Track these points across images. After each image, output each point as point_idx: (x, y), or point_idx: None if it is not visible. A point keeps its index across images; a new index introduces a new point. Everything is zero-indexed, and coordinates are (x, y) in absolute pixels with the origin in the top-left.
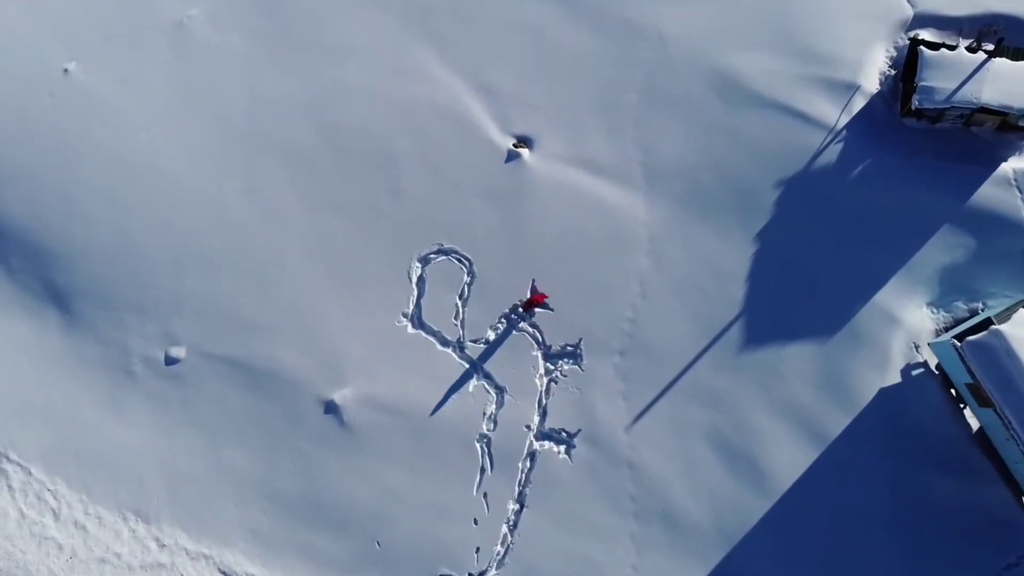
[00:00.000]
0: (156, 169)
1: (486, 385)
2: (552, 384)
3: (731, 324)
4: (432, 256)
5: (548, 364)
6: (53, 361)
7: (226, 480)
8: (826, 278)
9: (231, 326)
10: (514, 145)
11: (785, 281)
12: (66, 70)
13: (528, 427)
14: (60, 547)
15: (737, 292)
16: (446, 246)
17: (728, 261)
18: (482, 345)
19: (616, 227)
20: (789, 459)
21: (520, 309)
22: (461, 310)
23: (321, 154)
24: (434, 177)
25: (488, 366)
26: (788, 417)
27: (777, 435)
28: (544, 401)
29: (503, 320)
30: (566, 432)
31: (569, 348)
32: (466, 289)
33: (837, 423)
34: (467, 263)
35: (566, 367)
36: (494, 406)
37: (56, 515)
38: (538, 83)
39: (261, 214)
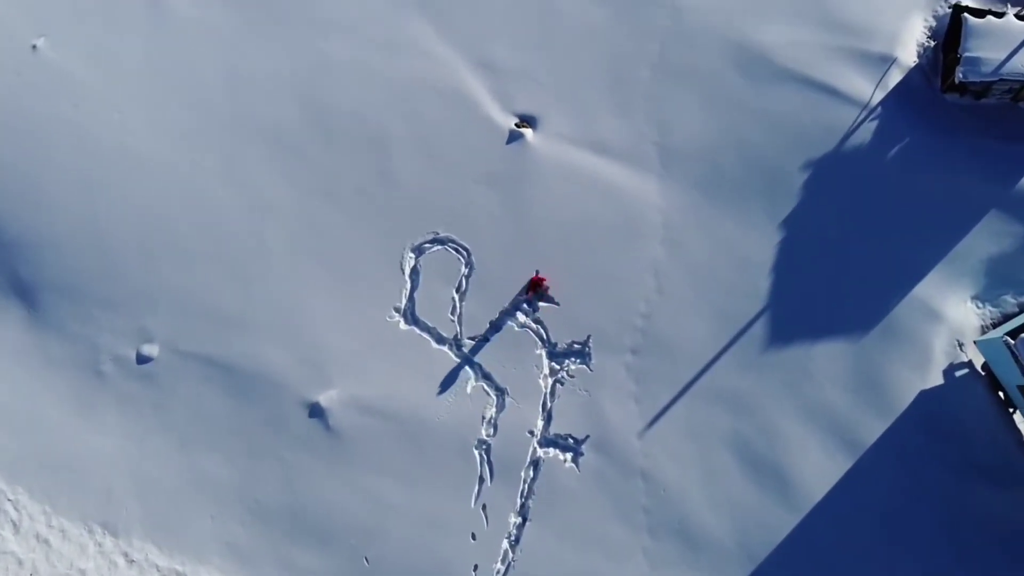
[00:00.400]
0: (129, 152)
1: (485, 386)
2: (558, 385)
3: (755, 319)
4: (427, 246)
5: (553, 363)
6: (15, 360)
7: (201, 490)
8: (860, 269)
9: (208, 322)
10: (516, 125)
11: (814, 272)
12: (34, 46)
13: (531, 432)
14: (20, 562)
15: (761, 284)
16: (442, 235)
17: (751, 250)
18: (481, 342)
19: (628, 213)
20: (819, 468)
21: (524, 303)
22: (458, 304)
23: (307, 136)
24: (429, 160)
25: (488, 365)
26: (818, 422)
27: (806, 442)
28: (549, 404)
29: (504, 315)
30: (573, 438)
31: (576, 346)
32: (464, 282)
33: (872, 429)
34: (465, 253)
35: (573, 367)
36: (494, 409)
37: (16, 527)
38: (542, 57)
39: (242, 200)
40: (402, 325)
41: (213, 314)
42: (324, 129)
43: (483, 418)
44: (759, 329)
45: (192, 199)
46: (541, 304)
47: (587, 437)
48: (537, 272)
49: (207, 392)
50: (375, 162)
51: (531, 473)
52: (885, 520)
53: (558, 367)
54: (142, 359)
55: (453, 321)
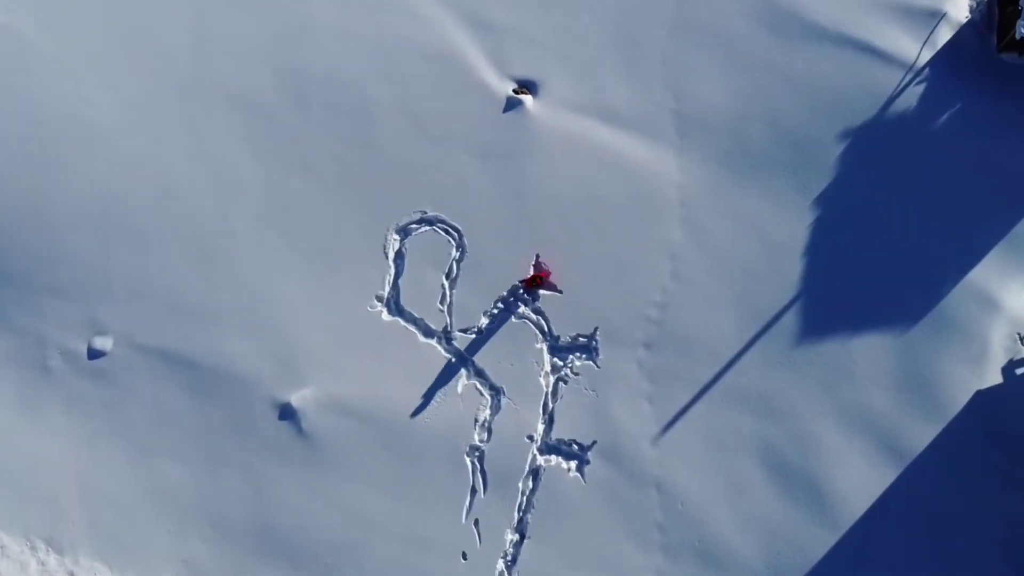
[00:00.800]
0: (84, 123)
1: (479, 385)
2: (560, 384)
3: (785, 310)
4: (413, 226)
5: (556, 359)
6: None
7: (158, 501)
8: (906, 252)
9: (168, 312)
10: (515, 91)
11: (853, 256)
12: None
13: (531, 438)
14: None
15: (792, 270)
16: (430, 214)
17: (781, 232)
18: (474, 335)
19: (641, 191)
20: (860, 480)
21: (521, 290)
22: (448, 292)
23: (280, 104)
24: (416, 131)
25: (481, 361)
26: (858, 427)
27: (844, 450)
28: (551, 405)
29: (500, 305)
30: (578, 444)
31: (582, 340)
32: (455, 267)
33: (921, 434)
34: (456, 235)
35: (578, 363)
36: (488, 411)
37: None
38: (544, 14)
39: (207, 177)
40: (385, 316)
41: (174, 303)
42: (299, 97)
43: (476, 421)
44: (790, 321)
45: (152, 175)
46: (542, 292)
47: (594, 443)
48: (537, 257)
49: (166, 391)
50: (356, 133)
51: (530, 484)
52: (936, 539)
53: (561, 363)
54: (94, 353)
55: (442, 311)
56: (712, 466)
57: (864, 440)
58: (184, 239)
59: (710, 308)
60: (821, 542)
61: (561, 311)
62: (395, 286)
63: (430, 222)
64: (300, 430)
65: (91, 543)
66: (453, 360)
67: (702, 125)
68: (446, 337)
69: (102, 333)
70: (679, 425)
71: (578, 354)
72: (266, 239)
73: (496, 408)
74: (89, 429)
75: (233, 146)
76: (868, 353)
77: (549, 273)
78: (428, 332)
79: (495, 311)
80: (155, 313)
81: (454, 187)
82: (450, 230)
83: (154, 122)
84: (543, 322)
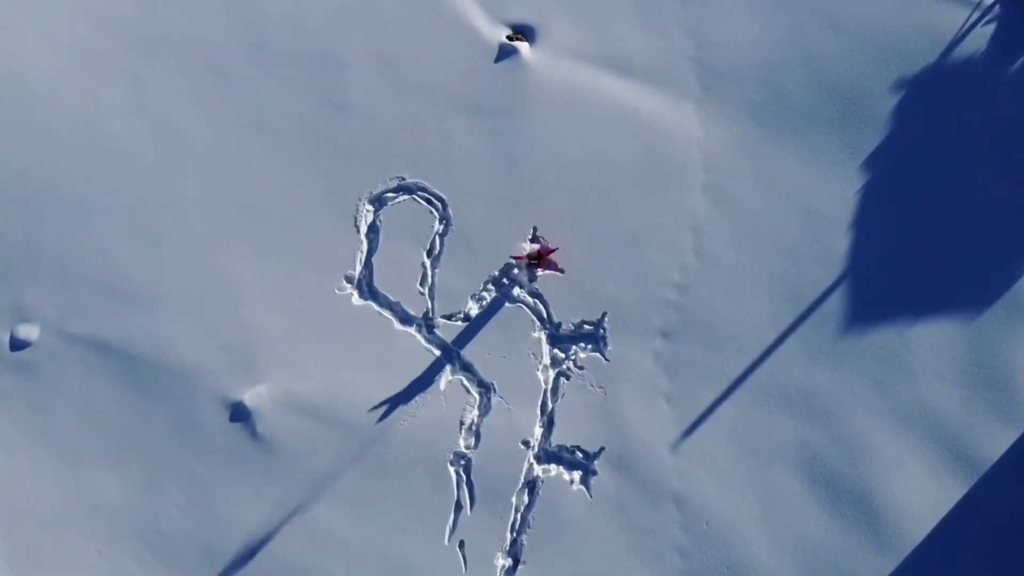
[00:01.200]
0: (14, 78)
1: (465, 381)
2: (562, 380)
3: (829, 291)
4: (389, 195)
5: (556, 350)
6: None
7: (87, 516)
8: (972, 225)
9: (104, 295)
10: (509, 37)
11: (910, 229)
12: None
13: (526, 444)
14: None
15: (837, 244)
16: (409, 181)
17: (823, 200)
18: (460, 323)
19: (657, 152)
20: (920, 494)
21: (515, 270)
22: (430, 272)
23: (235, 55)
24: (394, 85)
25: (469, 353)
26: (918, 431)
27: (901, 458)
28: (550, 405)
29: (491, 287)
30: (582, 451)
31: (588, 327)
32: (438, 242)
33: (994, 439)
34: (439, 205)
35: (583, 355)
36: (476, 412)
37: None
38: None
39: (152, 139)
40: (355, 299)
41: (110, 285)
42: (256, 46)
43: (462, 424)
44: (835, 305)
45: (89, 137)
46: (540, 272)
47: (601, 450)
48: (535, 231)
49: (99, 387)
50: (322, 87)
51: (525, 498)
52: (1013, 565)
53: (563, 355)
54: (17, 344)
55: (423, 294)
56: (742, 477)
57: (925, 446)
58: (124, 211)
59: (739, 289)
60: (872, 569)
61: (563, 294)
62: (367, 264)
63: (409, 190)
64: (254, 433)
65: (8, 564)
66: (435, 352)
67: (729, 74)
68: (427, 324)
69: (27, 320)
70: (703, 428)
71: (583, 344)
72: (218, 211)
73: (486, 408)
74: (10, 431)
75: (181, 104)
76: (929, 343)
77: (549, 250)
78: (406, 319)
79: (485, 294)
80: (89, 297)
81: (437, 149)
82: (432, 199)
83: (92, 77)
84: (541, 307)
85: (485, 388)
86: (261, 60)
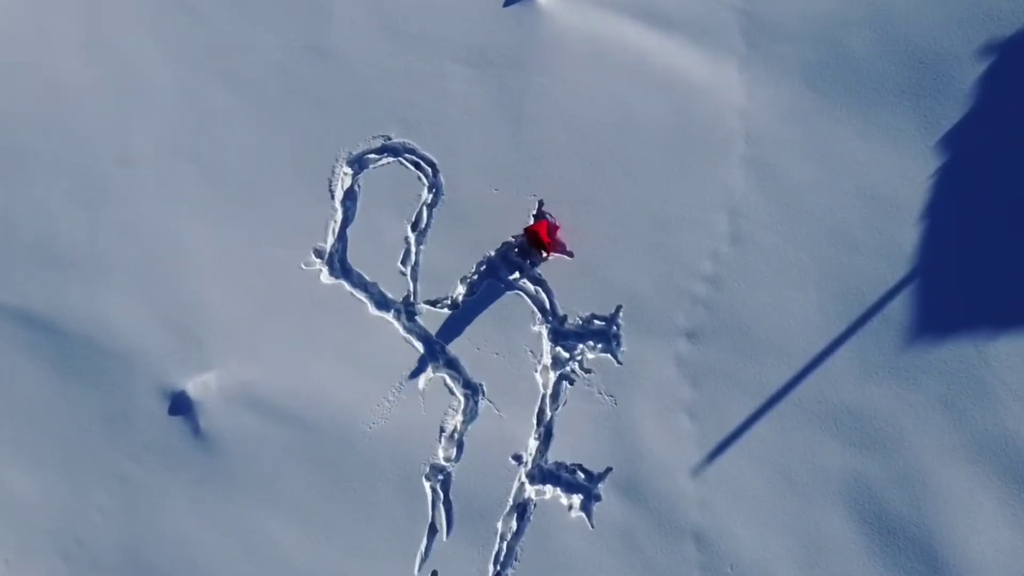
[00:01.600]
0: None
1: (449, 380)
2: (564, 384)
3: (892, 294)
4: (371, 157)
5: (560, 348)
6: None
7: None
8: None
9: (35, 260)
10: None
11: (993, 223)
12: None
13: (518, 459)
14: None
15: (904, 237)
16: (396, 141)
17: (889, 183)
18: (446, 310)
19: (692, 117)
20: (995, 546)
21: (516, 250)
22: (414, 249)
23: None
24: (385, 29)
25: (455, 347)
26: (996, 466)
27: (975, 498)
28: (549, 413)
29: (484, 269)
30: (584, 471)
31: (598, 323)
32: (425, 214)
33: None
34: (429, 170)
35: (591, 355)
36: (460, 418)
37: None
38: None
39: (105, 84)
40: (324, 277)
41: (44, 248)
42: None
43: (442, 431)
44: (899, 310)
45: (33, 79)
46: (545, 255)
47: (608, 471)
48: (541, 205)
49: (21, 366)
50: (304, 30)
51: (514, 524)
52: None
53: (567, 355)
54: None
55: (404, 274)
56: (778, 513)
57: (1004, 485)
58: (66, 163)
59: (782, 285)
60: None
61: (571, 282)
62: (341, 236)
63: (395, 151)
64: (197, 429)
65: None
66: (415, 343)
67: (780, 29)
68: (407, 311)
69: None
70: (731, 451)
71: (591, 343)
72: (174, 168)
73: (471, 414)
74: None
75: (140, 45)
76: (1014, 360)
77: (557, 228)
78: (383, 302)
79: (477, 277)
80: (17, 260)
81: (431, 105)
82: (421, 163)
83: (38, 9)
84: (544, 296)
85: (472, 390)
86: None
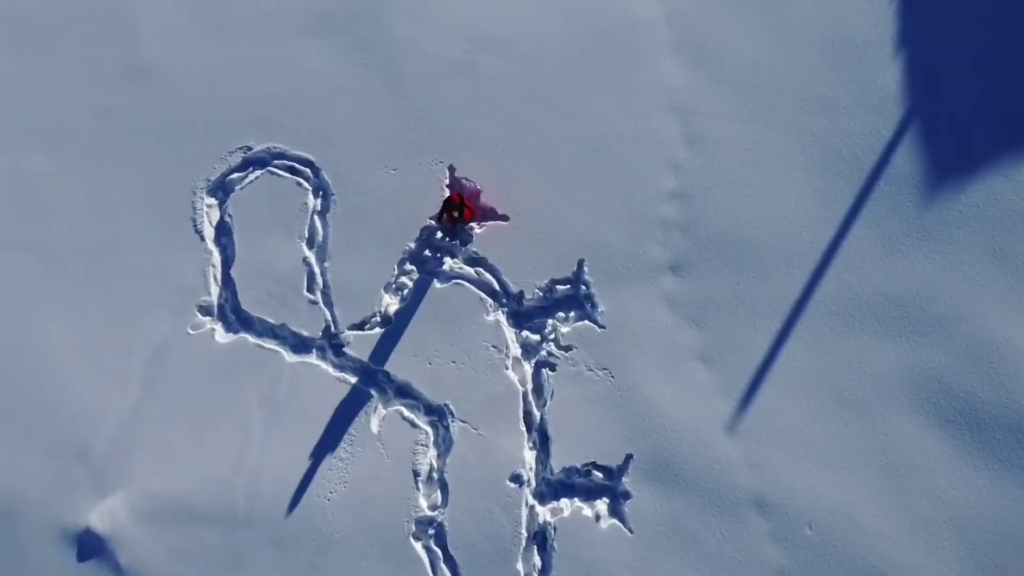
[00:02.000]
0: None
1: (406, 411)
2: (545, 373)
3: (891, 146)
4: (235, 177)
5: (527, 332)
6: None
7: None
8: None
9: None
10: None
11: (979, 27)
12: None
13: (518, 479)
14: None
15: (883, 78)
16: (259, 148)
17: (845, 19)
18: (377, 330)
19: (600, 16)
20: None
21: (439, 234)
22: (318, 269)
23: None
24: (202, 24)
25: (400, 369)
26: None
27: None
28: (537, 413)
29: (409, 267)
30: (600, 468)
31: (563, 288)
32: (318, 224)
33: None
34: (308, 172)
35: (565, 329)
36: (434, 452)
37: None
38: None
39: None
40: (220, 335)
41: None
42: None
43: (417, 475)
44: (903, 164)
45: None
46: (474, 227)
47: (629, 459)
48: (451, 171)
49: None
50: (111, 54)
51: (536, 560)
52: None
53: (537, 337)
54: None
55: (316, 303)
56: (841, 445)
57: None
58: None
59: (762, 177)
60: None
61: (515, 249)
62: (227, 282)
63: (261, 162)
64: (118, 569)
65: None
66: (351, 380)
67: None
68: (332, 345)
69: None
70: (765, 389)
71: (562, 314)
72: (6, 263)
73: (445, 444)
74: None
75: None
76: None
77: (479, 192)
78: (299, 344)
79: (404, 279)
80: None
81: (287, 96)
82: (296, 166)
83: None
84: (489, 276)
85: (437, 414)
86: (23, 38)
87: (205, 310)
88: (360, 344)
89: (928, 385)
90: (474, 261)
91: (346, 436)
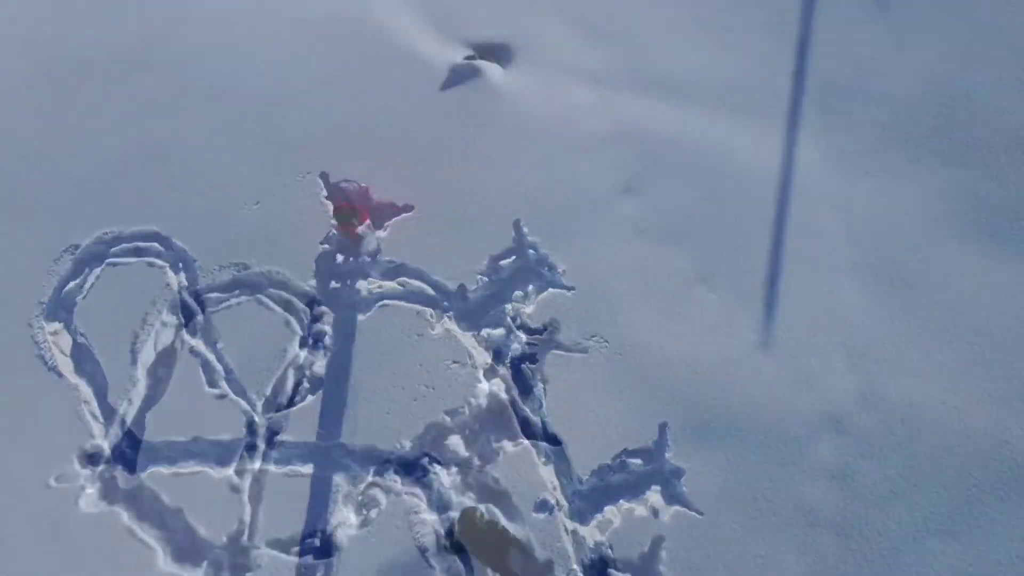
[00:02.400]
0: None
1: (380, 484)
2: (525, 368)
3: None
4: (71, 285)
5: (486, 330)
6: None
7: None
8: None
9: None
10: None
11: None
12: None
13: (544, 506)
14: None
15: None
16: (88, 242)
17: None
18: (310, 398)
19: None
20: None
21: (339, 255)
22: (211, 356)
23: None
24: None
25: (356, 437)
26: None
27: None
28: (536, 419)
29: (319, 308)
30: (635, 455)
31: (506, 262)
32: (191, 303)
33: None
34: (158, 245)
35: (529, 308)
36: (433, 516)
37: None
38: None
39: None
40: (123, 481)
41: None
42: None
43: (424, 553)
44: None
45: None
46: (379, 232)
47: (664, 429)
48: (326, 178)
49: None
50: None
51: None
52: None
53: (501, 331)
54: None
55: (224, 396)
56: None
57: None
58: None
59: (687, 36)
60: None
61: (433, 239)
62: (107, 414)
63: (96, 257)
64: None
65: None
66: (304, 471)
67: None
68: (267, 438)
69: None
70: (788, 286)
71: (519, 293)
72: None
73: (439, 502)
74: None
75: None
76: None
77: (366, 188)
78: (222, 455)
79: (318, 327)
80: None
81: (83, 174)
82: (140, 245)
83: None
84: (416, 281)
85: (420, 471)
86: None
87: (90, 458)
88: (298, 424)
89: (973, 203)
90: (393, 272)
91: (324, 542)
